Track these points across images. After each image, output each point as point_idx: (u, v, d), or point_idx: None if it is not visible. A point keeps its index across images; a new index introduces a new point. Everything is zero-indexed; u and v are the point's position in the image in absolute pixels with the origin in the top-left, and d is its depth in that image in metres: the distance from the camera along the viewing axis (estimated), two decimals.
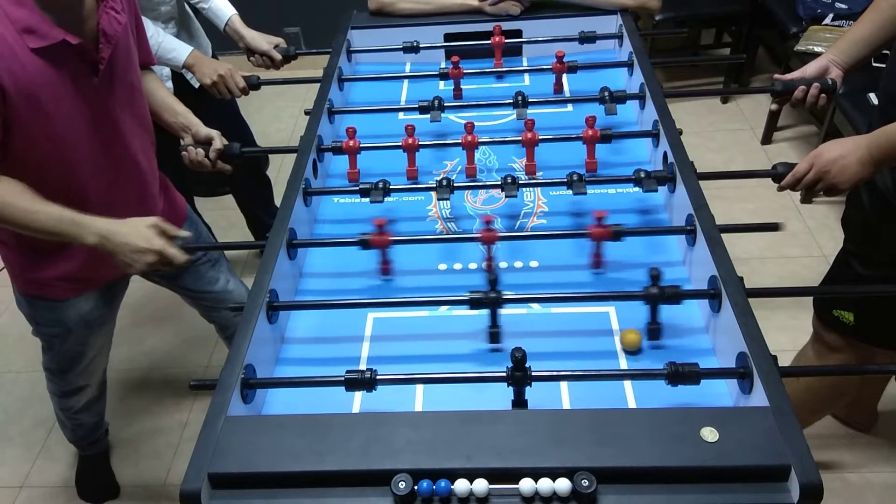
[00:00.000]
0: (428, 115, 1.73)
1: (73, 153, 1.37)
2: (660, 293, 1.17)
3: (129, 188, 1.54)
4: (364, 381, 1.07)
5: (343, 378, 1.08)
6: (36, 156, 1.33)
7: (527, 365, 1.04)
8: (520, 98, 1.72)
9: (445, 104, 1.76)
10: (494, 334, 1.22)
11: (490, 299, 1.19)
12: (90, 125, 1.38)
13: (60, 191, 1.37)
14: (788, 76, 1.61)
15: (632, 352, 1.20)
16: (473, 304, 1.20)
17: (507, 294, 1.20)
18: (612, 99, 1.69)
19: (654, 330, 1.20)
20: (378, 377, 1.07)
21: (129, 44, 1.45)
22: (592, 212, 1.34)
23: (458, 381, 1.12)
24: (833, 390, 1.82)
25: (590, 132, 1.54)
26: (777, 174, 1.43)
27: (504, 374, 1.05)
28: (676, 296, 1.18)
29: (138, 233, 1.32)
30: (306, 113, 1.79)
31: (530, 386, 1.06)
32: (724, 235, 1.24)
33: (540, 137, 1.56)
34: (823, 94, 1.56)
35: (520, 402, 1.07)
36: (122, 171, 1.50)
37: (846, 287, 1.80)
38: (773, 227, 1.34)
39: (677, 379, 1.04)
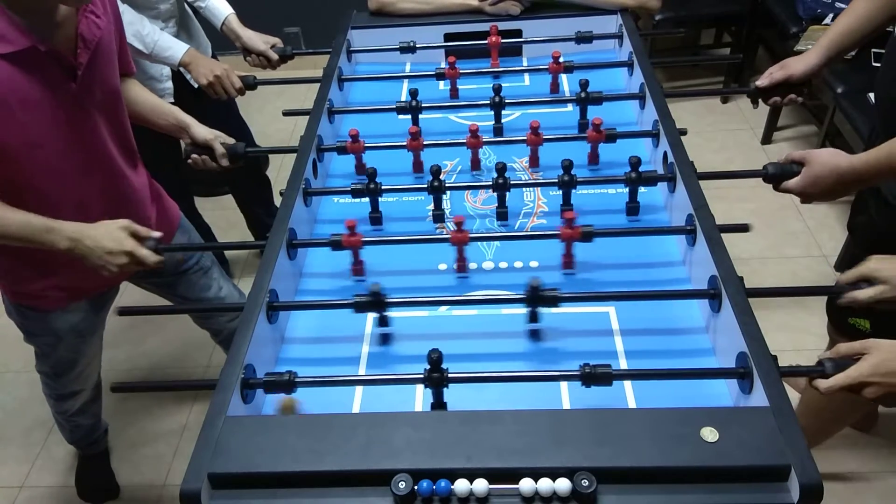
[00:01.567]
0: (422, 115, 1.73)
1: (53, 159, 1.34)
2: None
3: (115, 196, 1.50)
4: (282, 383, 1.07)
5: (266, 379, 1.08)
6: (14, 165, 1.29)
7: (443, 366, 1.05)
8: (497, 100, 1.70)
9: (440, 105, 1.76)
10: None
11: (491, 299, 1.19)
12: (69, 132, 1.34)
13: (44, 201, 1.35)
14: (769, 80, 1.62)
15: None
16: (472, 303, 1.20)
17: (507, 294, 1.20)
18: (589, 100, 1.69)
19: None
20: (297, 379, 1.08)
21: (111, 48, 1.41)
22: (563, 213, 1.33)
23: (379, 382, 1.12)
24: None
25: (594, 133, 1.54)
26: (767, 174, 1.42)
27: (421, 376, 1.06)
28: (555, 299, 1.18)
29: (109, 235, 1.31)
30: (284, 114, 1.79)
31: (447, 388, 1.07)
32: (724, 235, 1.25)
33: (545, 138, 1.56)
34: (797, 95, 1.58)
35: (439, 404, 1.08)
36: (106, 179, 1.47)
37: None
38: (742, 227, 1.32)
39: (591, 380, 1.05)
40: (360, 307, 1.21)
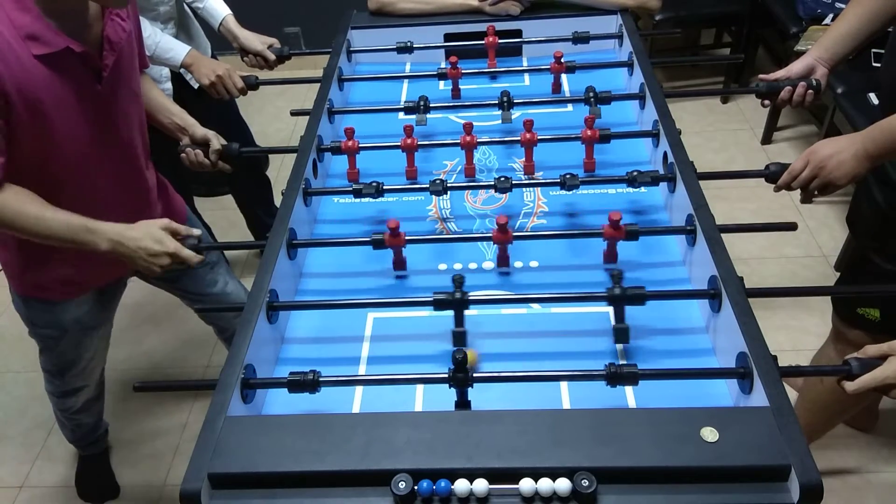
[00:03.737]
0: (422, 115, 1.74)
1: (78, 159, 1.37)
2: (622, 293, 1.17)
3: (132, 192, 1.54)
4: (306, 383, 1.07)
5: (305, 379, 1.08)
6: (41, 162, 1.32)
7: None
8: (505, 99, 1.71)
9: (442, 105, 1.76)
10: (459, 335, 1.22)
11: (491, 299, 1.19)
12: (94, 131, 1.37)
13: (67, 197, 1.37)
14: (773, 76, 1.62)
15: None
16: (472, 303, 1.20)
17: (508, 294, 1.20)
18: (598, 100, 1.70)
19: (622, 330, 1.20)
20: (321, 379, 1.08)
21: (132, 50, 1.45)
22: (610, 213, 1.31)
23: (399, 381, 1.12)
24: None
25: (588, 132, 1.54)
26: (770, 174, 1.43)
27: (445, 376, 1.06)
28: (641, 297, 1.17)
29: (150, 235, 1.33)
30: (292, 113, 1.79)
31: (472, 387, 1.06)
32: (723, 235, 1.25)
33: (539, 138, 1.56)
34: (810, 92, 1.56)
35: (463, 403, 1.07)
36: (126, 176, 1.51)
37: (846, 287, 1.80)
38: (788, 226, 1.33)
39: (616, 380, 1.05)
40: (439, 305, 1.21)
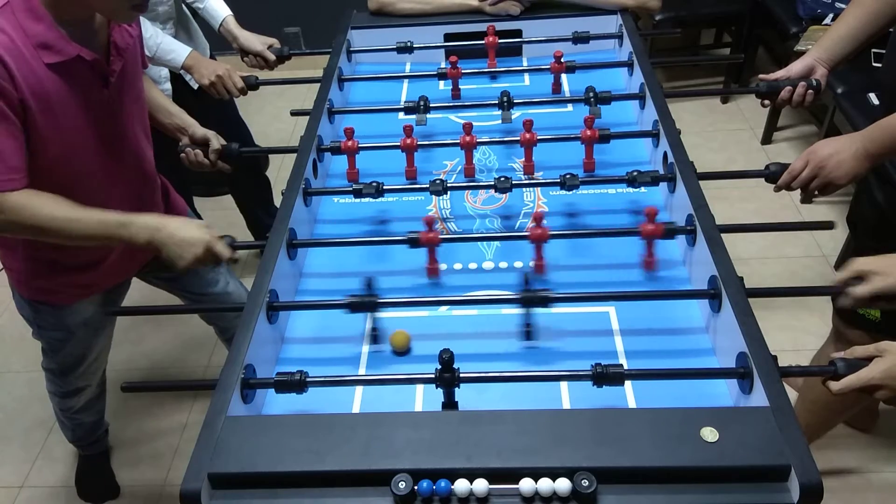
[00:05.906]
0: (422, 115, 1.74)
1: (85, 163, 1.38)
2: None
3: (138, 193, 1.54)
4: (293, 383, 1.07)
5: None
6: (51, 167, 1.33)
7: (455, 366, 1.05)
8: (505, 99, 1.71)
9: (442, 105, 1.77)
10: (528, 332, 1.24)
11: (491, 299, 1.19)
12: (100, 135, 1.38)
13: (75, 200, 1.37)
14: (773, 76, 1.62)
15: (400, 352, 1.21)
16: (472, 303, 1.21)
17: (507, 294, 1.20)
18: (598, 100, 1.70)
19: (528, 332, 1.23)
20: (308, 379, 1.08)
21: (136, 53, 1.46)
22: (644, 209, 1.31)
23: (388, 382, 1.12)
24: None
25: (588, 132, 1.54)
26: (770, 174, 1.43)
27: (432, 376, 1.05)
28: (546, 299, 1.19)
29: (186, 226, 1.34)
30: (292, 113, 1.79)
31: (458, 387, 1.06)
32: (723, 235, 1.25)
33: (539, 138, 1.56)
34: (810, 91, 1.56)
35: (450, 403, 1.07)
36: (132, 179, 1.51)
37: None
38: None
39: (602, 380, 1.05)
40: (355, 307, 1.21)
